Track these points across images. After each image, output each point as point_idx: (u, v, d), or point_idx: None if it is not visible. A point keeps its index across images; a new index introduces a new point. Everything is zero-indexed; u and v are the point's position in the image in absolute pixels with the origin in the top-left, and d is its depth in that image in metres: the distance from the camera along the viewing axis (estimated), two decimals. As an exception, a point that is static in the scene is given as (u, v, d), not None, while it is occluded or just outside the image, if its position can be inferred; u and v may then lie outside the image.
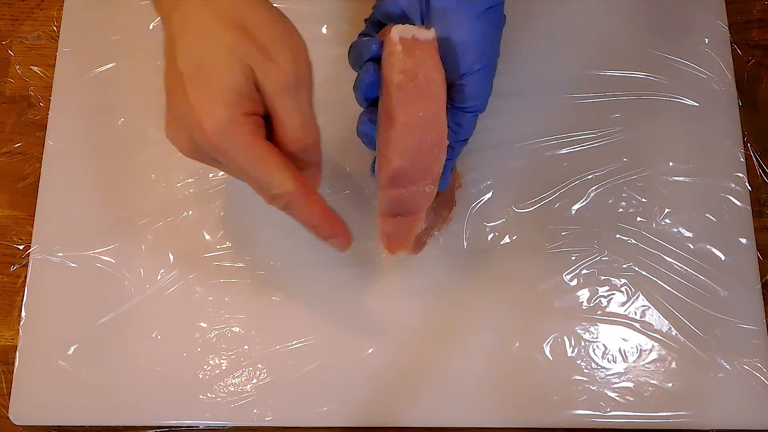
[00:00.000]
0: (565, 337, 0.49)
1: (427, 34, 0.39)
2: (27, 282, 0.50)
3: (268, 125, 0.37)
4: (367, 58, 0.41)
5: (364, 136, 0.43)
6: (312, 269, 0.50)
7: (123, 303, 0.50)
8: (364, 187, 0.52)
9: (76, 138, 0.53)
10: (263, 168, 0.36)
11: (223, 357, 0.49)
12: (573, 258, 0.50)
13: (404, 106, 0.39)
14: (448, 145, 0.40)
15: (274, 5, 0.37)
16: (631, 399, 0.48)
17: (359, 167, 0.52)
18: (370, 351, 0.49)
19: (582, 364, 0.49)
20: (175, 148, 0.37)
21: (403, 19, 0.41)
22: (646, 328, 0.49)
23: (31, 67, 0.55)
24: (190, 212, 0.51)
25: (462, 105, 0.40)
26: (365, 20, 0.43)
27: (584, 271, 0.50)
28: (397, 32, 0.39)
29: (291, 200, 0.37)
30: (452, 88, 0.40)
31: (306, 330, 0.49)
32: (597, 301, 0.50)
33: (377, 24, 0.43)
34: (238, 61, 0.35)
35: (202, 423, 0.48)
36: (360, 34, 0.43)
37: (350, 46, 0.42)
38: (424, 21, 0.41)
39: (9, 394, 0.49)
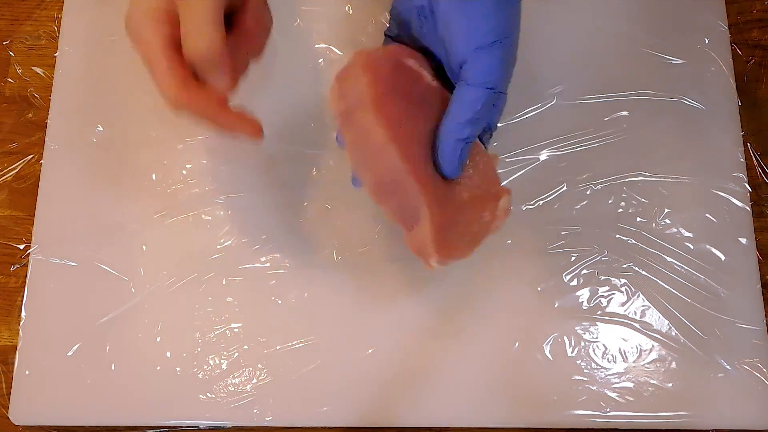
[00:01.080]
0: (565, 337, 0.49)
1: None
2: (27, 282, 0.50)
3: None
4: None
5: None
6: (312, 269, 0.50)
7: (123, 303, 0.50)
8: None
9: (76, 138, 0.53)
10: (154, 65, 0.38)
11: (223, 357, 0.49)
12: (573, 258, 0.50)
13: (345, 126, 0.41)
14: (468, 126, 0.40)
15: None
16: (631, 399, 0.48)
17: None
18: (370, 351, 0.49)
19: (582, 364, 0.49)
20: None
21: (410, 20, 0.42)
22: (646, 328, 0.49)
23: (31, 67, 0.55)
24: (191, 212, 0.51)
25: (474, 81, 0.39)
26: (384, 32, 0.44)
27: (584, 271, 0.50)
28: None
29: (178, 104, 0.38)
30: (466, 63, 0.39)
31: (306, 330, 0.49)
32: (597, 301, 0.50)
33: (395, 36, 0.44)
34: None
35: (202, 423, 0.48)
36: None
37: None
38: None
39: (9, 394, 0.49)
